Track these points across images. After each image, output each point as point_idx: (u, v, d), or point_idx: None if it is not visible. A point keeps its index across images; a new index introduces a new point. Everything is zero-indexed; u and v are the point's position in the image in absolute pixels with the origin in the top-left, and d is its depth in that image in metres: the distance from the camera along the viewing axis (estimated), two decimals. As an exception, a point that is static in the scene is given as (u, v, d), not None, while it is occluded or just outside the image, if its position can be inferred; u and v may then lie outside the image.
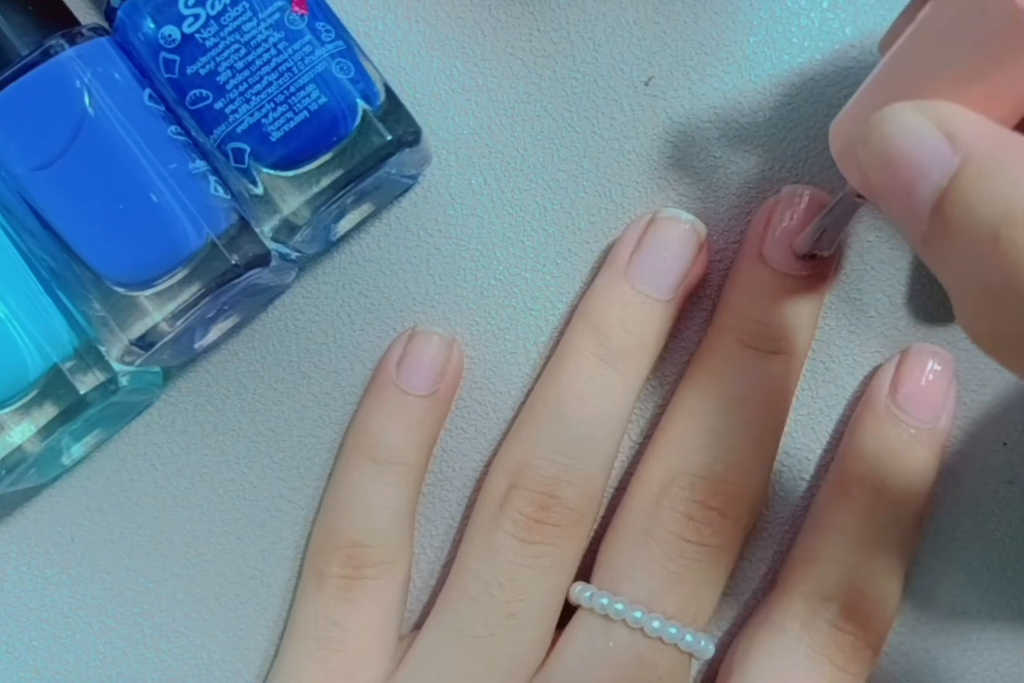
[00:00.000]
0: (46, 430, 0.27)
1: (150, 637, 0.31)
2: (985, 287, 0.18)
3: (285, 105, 0.26)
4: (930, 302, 0.29)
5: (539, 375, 0.29)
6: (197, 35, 0.26)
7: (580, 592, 0.27)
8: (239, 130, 0.26)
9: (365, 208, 0.29)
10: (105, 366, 0.27)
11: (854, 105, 0.22)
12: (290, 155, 0.26)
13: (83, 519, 0.31)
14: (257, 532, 0.30)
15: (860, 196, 0.24)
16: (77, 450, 0.30)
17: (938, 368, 0.28)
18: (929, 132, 0.19)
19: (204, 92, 0.26)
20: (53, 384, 0.26)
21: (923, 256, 0.20)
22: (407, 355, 0.29)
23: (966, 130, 0.19)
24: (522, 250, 0.30)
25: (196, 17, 0.26)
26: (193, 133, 0.27)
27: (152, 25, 0.26)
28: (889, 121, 0.20)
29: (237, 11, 0.26)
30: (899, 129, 0.19)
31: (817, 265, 0.28)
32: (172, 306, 0.26)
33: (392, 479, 0.28)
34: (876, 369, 0.29)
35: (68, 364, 0.27)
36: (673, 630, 0.26)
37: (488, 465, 0.30)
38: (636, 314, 0.28)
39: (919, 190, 0.19)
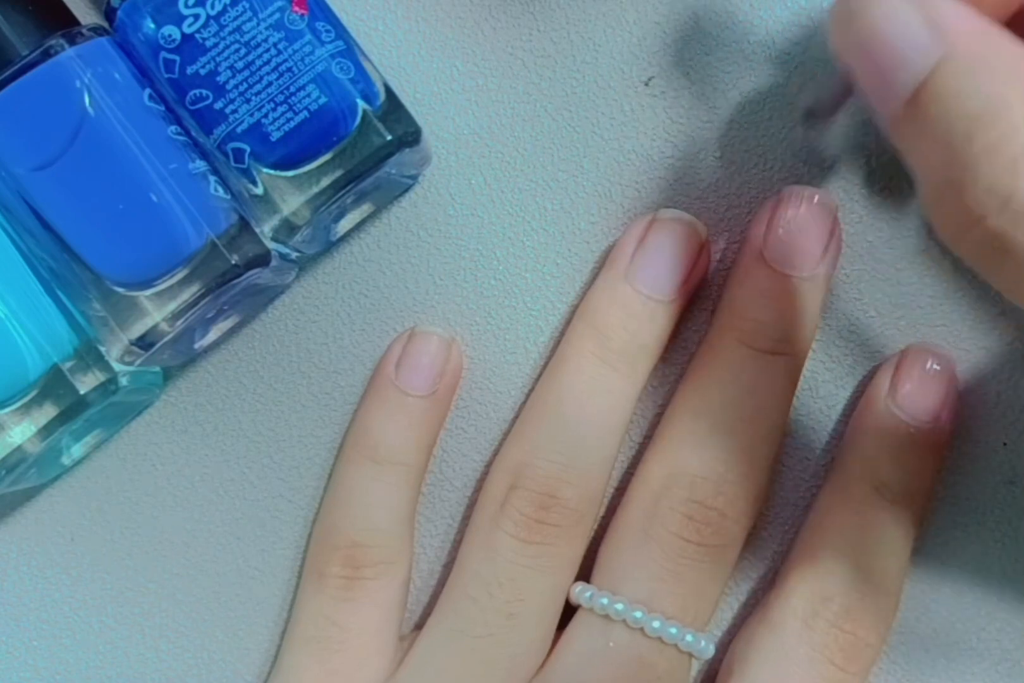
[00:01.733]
0: (46, 430, 0.27)
1: (150, 637, 0.31)
2: (950, 181, 0.18)
3: (285, 105, 0.26)
4: (930, 302, 0.29)
5: (539, 375, 0.29)
6: (197, 35, 0.26)
7: (580, 592, 0.27)
8: (239, 130, 0.26)
9: (365, 208, 0.29)
10: (105, 366, 0.27)
11: None
12: (290, 155, 0.26)
13: (83, 519, 0.31)
14: (257, 532, 0.30)
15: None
16: (77, 450, 0.30)
17: (938, 368, 0.28)
18: (914, 20, 0.19)
19: (204, 92, 0.26)
20: (53, 384, 0.26)
21: (894, 140, 0.20)
22: (406, 355, 0.29)
23: (952, 23, 0.19)
24: (522, 250, 0.30)
25: (196, 17, 0.26)
26: (193, 133, 0.27)
27: (152, 25, 0.26)
28: (874, 5, 0.19)
29: (237, 11, 0.26)
30: (883, 15, 0.19)
31: (817, 265, 0.28)
32: (172, 306, 0.26)
33: (391, 479, 0.28)
34: (876, 369, 0.29)
35: (68, 364, 0.27)
36: (673, 630, 0.26)
37: (488, 465, 0.30)
38: (637, 315, 0.28)
39: (897, 78, 0.19)
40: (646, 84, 0.29)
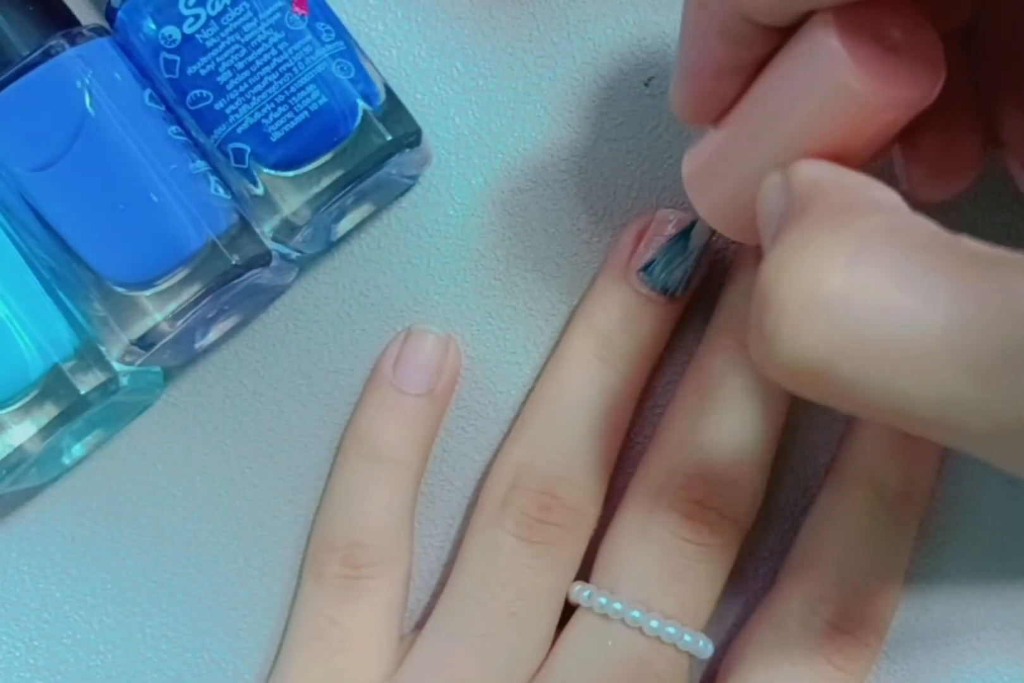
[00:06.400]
0: (47, 430, 0.27)
1: (150, 637, 0.31)
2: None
3: (285, 105, 0.26)
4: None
5: (539, 375, 0.29)
6: (198, 35, 0.26)
7: (579, 591, 0.27)
8: (239, 130, 0.26)
9: (365, 208, 0.29)
10: (105, 366, 0.27)
11: (714, 163, 0.23)
12: (290, 155, 0.26)
13: (83, 519, 0.31)
14: (257, 532, 0.30)
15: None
16: (78, 450, 0.30)
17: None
18: (777, 185, 0.20)
19: (204, 92, 0.26)
20: (54, 384, 0.26)
21: None
22: (403, 354, 0.29)
23: (797, 178, 0.20)
24: (522, 250, 0.30)
25: (196, 17, 0.26)
26: (193, 133, 0.27)
27: (153, 25, 0.26)
28: (762, 188, 0.21)
29: (237, 11, 0.26)
30: (764, 192, 0.21)
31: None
32: (172, 306, 0.26)
33: (389, 478, 0.28)
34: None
35: (69, 364, 0.27)
36: (671, 630, 0.26)
37: (488, 465, 0.30)
38: (636, 315, 0.28)
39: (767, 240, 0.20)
40: (646, 84, 0.29)
